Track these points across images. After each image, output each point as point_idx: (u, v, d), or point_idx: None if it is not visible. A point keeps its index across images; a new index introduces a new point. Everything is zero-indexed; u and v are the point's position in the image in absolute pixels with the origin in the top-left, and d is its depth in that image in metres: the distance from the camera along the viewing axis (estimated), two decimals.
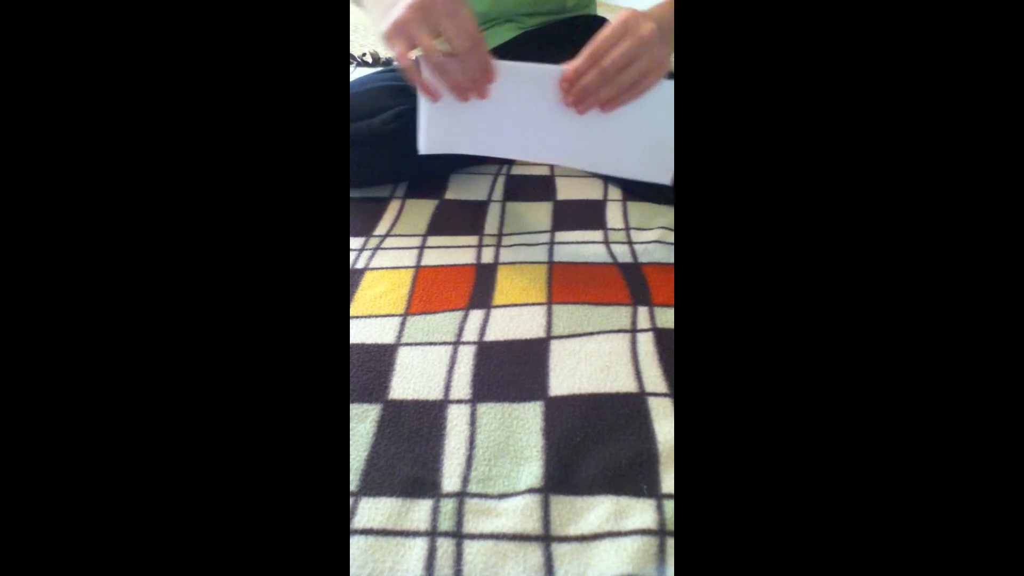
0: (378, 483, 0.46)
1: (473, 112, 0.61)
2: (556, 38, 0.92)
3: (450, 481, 0.47)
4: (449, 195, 0.86)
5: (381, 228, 0.78)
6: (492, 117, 0.62)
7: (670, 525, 0.43)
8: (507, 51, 0.91)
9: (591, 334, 0.60)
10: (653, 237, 0.74)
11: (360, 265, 0.71)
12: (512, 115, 0.62)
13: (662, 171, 0.65)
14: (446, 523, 0.44)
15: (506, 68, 0.59)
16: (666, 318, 0.62)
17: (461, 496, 0.46)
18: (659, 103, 0.60)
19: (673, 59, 0.58)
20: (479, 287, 0.67)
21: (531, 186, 0.88)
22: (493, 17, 0.90)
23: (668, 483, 0.46)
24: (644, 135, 0.62)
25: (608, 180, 0.88)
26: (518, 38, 0.91)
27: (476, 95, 0.56)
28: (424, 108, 0.61)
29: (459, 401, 0.53)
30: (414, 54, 0.54)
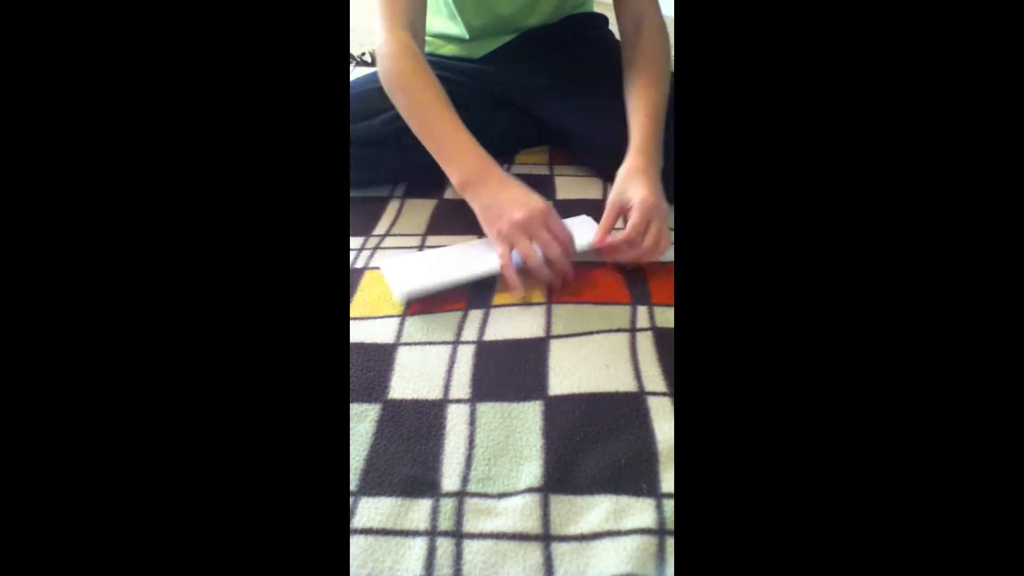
0: (378, 483, 0.46)
1: (441, 272, 0.68)
2: (554, 39, 0.92)
3: (450, 481, 0.47)
4: (448, 195, 0.86)
5: (380, 228, 0.78)
6: (459, 270, 0.68)
7: (670, 524, 0.43)
8: (506, 53, 0.91)
9: (590, 334, 0.60)
10: None
11: (359, 265, 0.71)
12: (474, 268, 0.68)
13: None
14: (446, 523, 0.44)
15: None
16: (665, 317, 0.62)
17: (461, 496, 0.46)
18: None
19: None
20: (478, 287, 0.67)
21: (531, 186, 0.88)
22: (492, 30, 0.90)
23: (667, 482, 0.46)
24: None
25: (608, 180, 0.88)
26: (516, 39, 0.91)
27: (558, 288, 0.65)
28: (394, 279, 0.66)
29: (458, 401, 0.53)
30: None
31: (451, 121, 0.69)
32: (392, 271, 0.67)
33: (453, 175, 0.68)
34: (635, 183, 0.67)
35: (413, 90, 0.71)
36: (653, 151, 0.71)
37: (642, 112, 0.73)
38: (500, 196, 0.65)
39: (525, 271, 0.64)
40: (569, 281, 0.65)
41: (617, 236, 0.66)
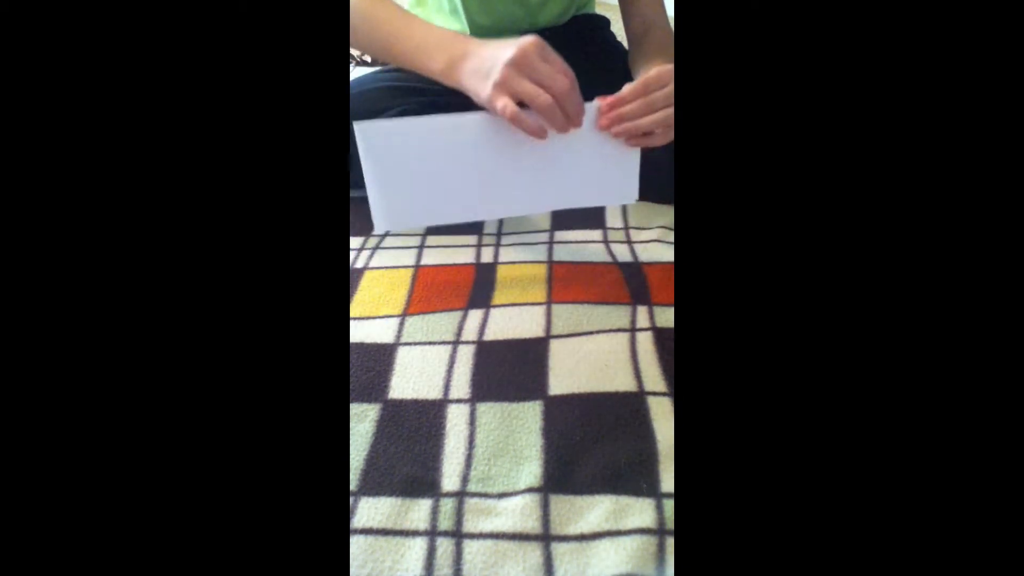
0: (378, 483, 0.46)
1: (432, 179, 0.60)
2: (556, 39, 0.92)
3: (449, 480, 0.47)
4: None
5: None
6: (454, 180, 0.61)
7: (670, 524, 0.43)
8: None
9: (590, 333, 0.60)
10: (653, 236, 0.74)
11: (359, 264, 0.71)
12: (473, 175, 0.61)
13: (627, 190, 0.66)
14: (445, 522, 0.44)
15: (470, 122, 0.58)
16: (666, 317, 0.62)
17: (460, 495, 0.46)
18: (592, 129, 0.61)
19: None
20: (478, 286, 0.67)
21: None
22: (497, 29, 0.90)
23: (667, 482, 0.46)
24: (600, 160, 0.63)
25: None
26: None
27: (572, 128, 0.59)
28: (374, 184, 0.58)
29: (458, 401, 0.53)
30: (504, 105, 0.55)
31: (420, 21, 0.64)
32: (380, 194, 0.58)
33: (437, 63, 0.60)
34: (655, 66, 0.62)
35: (372, 9, 0.66)
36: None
37: (655, 62, 0.70)
38: (484, 51, 0.57)
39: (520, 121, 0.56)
40: (579, 120, 0.58)
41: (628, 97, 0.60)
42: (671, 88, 0.59)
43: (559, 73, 0.55)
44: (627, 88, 0.60)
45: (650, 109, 0.59)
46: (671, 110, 0.60)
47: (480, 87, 0.57)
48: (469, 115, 0.58)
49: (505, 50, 0.55)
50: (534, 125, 0.56)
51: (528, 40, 0.55)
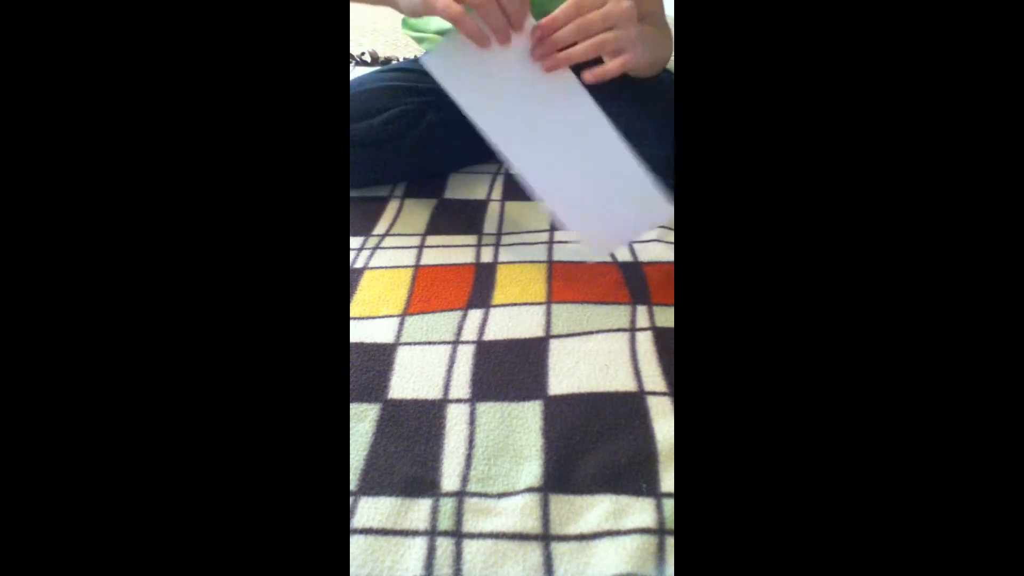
0: (377, 482, 0.47)
1: (487, 73, 0.60)
2: None
3: (449, 480, 0.47)
4: (448, 194, 0.86)
5: (380, 227, 0.78)
6: (500, 90, 0.61)
7: (669, 524, 0.43)
8: None
9: (590, 333, 0.60)
10: (652, 236, 0.74)
11: (359, 264, 0.71)
12: (516, 102, 0.61)
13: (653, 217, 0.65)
14: (445, 522, 0.44)
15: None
16: (665, 317, 0.62)
17: (460, 495, 0.46)
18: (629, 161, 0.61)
19: (647, 59, 0.62)
20: (478, 286, 0.67)
21: None
22: None
23: (667, 482, 0.46)
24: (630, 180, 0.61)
25: None
26: None
27: (509, 38, 0.57)
28: (450, 40, 0.59)
29: (458, 400, 0.53)
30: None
31: None
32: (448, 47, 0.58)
33: None
34: None
35: None
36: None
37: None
38: None
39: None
40: (520, 23, 0.56)
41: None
42: (610, 8, 0.56)
43: None
44: (560, 9, 0.57)
45: (585, 33, 0.56)
46: (612, 34, 0.57)
47: None
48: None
49: None
50: (475, 27, 0.55)
51: None
